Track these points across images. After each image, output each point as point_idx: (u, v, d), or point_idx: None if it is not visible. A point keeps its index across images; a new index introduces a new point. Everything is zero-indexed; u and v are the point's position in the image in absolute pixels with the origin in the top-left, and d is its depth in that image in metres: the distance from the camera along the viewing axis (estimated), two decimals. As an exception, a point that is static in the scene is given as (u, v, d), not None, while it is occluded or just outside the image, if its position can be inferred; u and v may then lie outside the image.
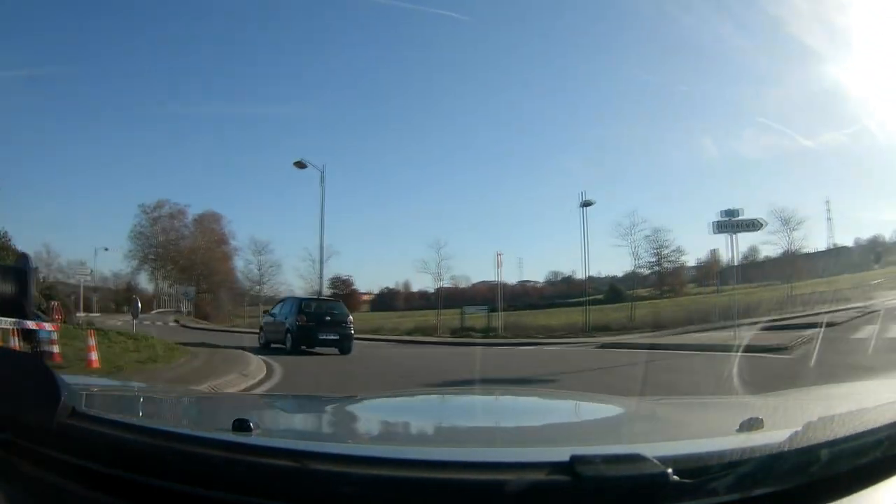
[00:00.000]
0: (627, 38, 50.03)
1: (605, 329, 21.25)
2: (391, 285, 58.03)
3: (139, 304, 16.53)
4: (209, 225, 55.29)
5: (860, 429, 0.73)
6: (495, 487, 0.64)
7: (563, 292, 47.40)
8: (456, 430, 1.36)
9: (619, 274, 41.60)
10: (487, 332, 23.02)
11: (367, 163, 65.33)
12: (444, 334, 23.71)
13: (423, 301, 46.63)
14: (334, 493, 0.66)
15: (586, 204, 24.52)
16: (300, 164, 24.24)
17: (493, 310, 25.40)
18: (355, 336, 14.33)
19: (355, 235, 68.92)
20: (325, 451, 0.75)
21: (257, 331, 15.96)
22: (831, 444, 0.69)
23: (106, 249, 47.28)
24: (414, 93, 59.84)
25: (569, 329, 22.02)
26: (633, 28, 51.28)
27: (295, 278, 48.09)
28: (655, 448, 0.75)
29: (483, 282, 44.21)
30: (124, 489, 0.74)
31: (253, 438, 0.87)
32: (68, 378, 1.07)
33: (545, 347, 15.97)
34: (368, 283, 68.23)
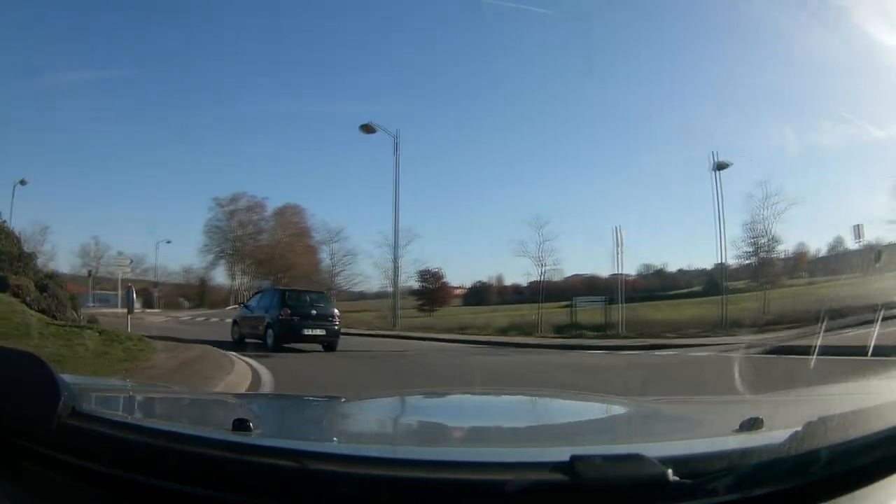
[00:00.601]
0: (703, 29, 47.25)
1: (736, 325, 15.84)
2: (483, 279, 55.26)
3: (134, 296, 15.10)
4: (290, 218, 52.81)
5: (860, 428, 0.73)
6: (495, 487, 0.64)
7: (655, 286, 44.77)
8: (456, 430, 1.36)
9: (708, 266, 36.76)
10: (603, 329, 17.52)
11: (451, 158, 63.14)
12: (547, 333, 18.63)
13: (517, 295, 44.26)
14: (334, 493, 0.66)
15: (720, 167, 18.39)
16: (368, 128, 21.57)
17: (611, 302, 19.37)
18: (438, 339, 13.58)
19: (443, 232, 66.65)
20: (325, 451, 0.75)
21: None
22: (831, 443, 0.69)
23: (168, 242, 46.04)
24: (501, 86, 58.59)
25: (699, 325, 16.83)
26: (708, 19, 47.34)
27: (369, 267, 46.54)
28: (655, 448, 0.75)
29: (576, 275, 41.94)
30: (124, 489, 0.74)
31: (253, 438, 0.87)
32: (68, 378, 1.07)
33: (691, 353, 10.98)
34: (461, 277, 66.25)
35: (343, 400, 1.72)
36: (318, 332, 11.86)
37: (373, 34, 56.95)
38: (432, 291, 46.11)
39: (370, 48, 57.35)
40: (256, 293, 14.64)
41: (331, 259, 40.79)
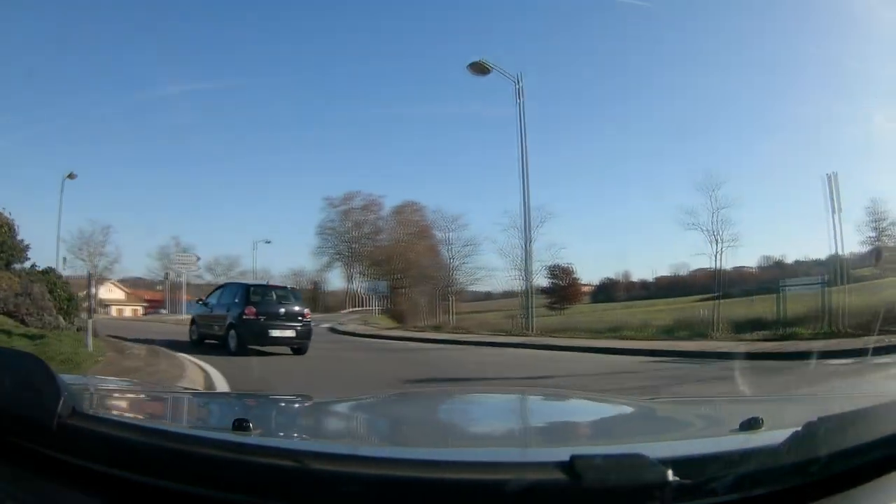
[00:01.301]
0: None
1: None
2: (610, 275, 53.33)
3: (94, 295, 13.20)
4: (408, 216, 49.51)
5: (860, 429, 0.73)
6: (495, 487, 0.64)
7: (777, 277, 41.23)
8: (456, 430, 1.36)
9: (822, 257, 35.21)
10: (821, 324, 11.92)
11: (580, 155, 61.26)
12: (726, 332, 13.20)
13: (643, 290, 43.00)
14: (334, 493, 0.66)
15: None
16: (481, 67, 17.07)
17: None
18: (594, 348, 11.01)
19: (570, 231, 64.81)
20: (325, 451, 0.75)
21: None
22: (831, 443, 0.69)
23: (268, 242, 44.42)
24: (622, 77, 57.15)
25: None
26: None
27: (494, 257, 42.00)
28: (655, 448, 0.75)
29: (701, 269, 37.45)
30: (125, 489, 0.74)
31: (253, 438, 0.87)
32: (68, 378, 1.07)
33: None
34: (588, 274, 63.51)
35: (344, 400, 1.72)
36: (287, 333, 10.48)
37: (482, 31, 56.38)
38: (562, 288, 42.69)
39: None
40: (217, 288, 12.79)
41: (449, 250, 34.49)
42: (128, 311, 46.61)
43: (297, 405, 1.69)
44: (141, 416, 1.30)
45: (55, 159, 64.16)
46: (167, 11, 56.26)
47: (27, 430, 0.81)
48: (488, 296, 40.58)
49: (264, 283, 12.95)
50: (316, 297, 51.46)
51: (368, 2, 57.67)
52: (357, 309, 47.68)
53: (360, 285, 52.00)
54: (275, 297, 11.19)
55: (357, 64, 61.00)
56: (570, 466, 0.63)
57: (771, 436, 0.78)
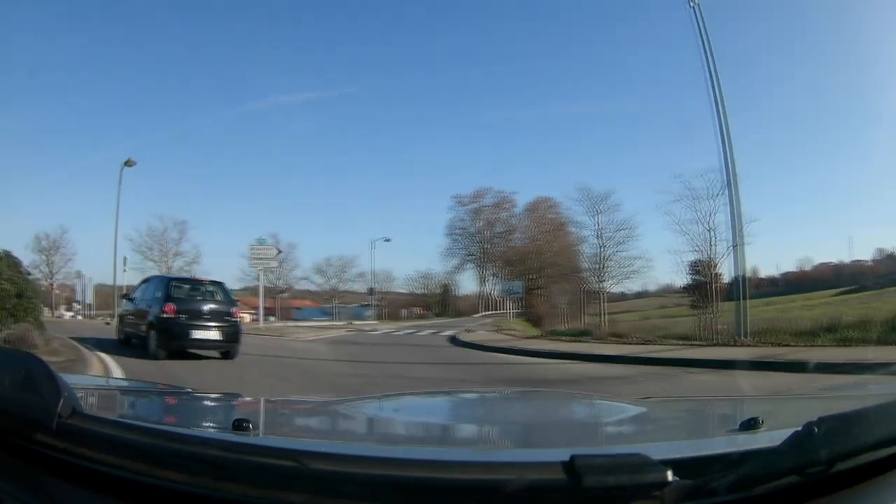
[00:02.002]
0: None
1: None
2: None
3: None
4: (542, 213, 46.18)
5: (860, 429, 0.73)
6: (495, 487, 0.64)
7: (893, 271, 38.24)
8: (456, 430, 1.36)
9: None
10: None
11: None
12: None
13: (773, 287, 40.01)
14: (334, 493, 0.66)
15: None
16: None
17: None
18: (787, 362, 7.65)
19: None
20: (325, 451, 0.76)
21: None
22: (831, 443, 0.69)
23: (387, 240, 41.82)
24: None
25: None
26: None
27: (655, 241, 36.13)
28: (656, 448, 0.75)
29: (823, 263, 37.39)
30: (125, 489, 0.74)
31: (253, 438, 0.87)
32: (68, 378, 1.07)
33: None
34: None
35: (344, 400, 1.72)
36: (211, 335, 9.10)
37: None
38: (705, 285, 38.71)
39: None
40: (143, 281, 11.32)
41: (599, 237, 26.67)
42: None
43: (297, 405, 1.69)
44: (141, 416, 1.30)
45: (181, 168, 69.16)
46: (281, 23, 59.73)
47: (27, 430, 0.81)
48: (622, 296, 36.60)
49: (188, 276, 11.75)
50: (446, 300, 49.78)
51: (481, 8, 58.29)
52: (490, 312, 45.17)
53: (492, 287, 48.94)
54: (200, 292, 9.86)
55: (475, 66, 62.94)
56: (570, 466, 0.63)
57: (771, 436, 0.78)
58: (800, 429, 0.70)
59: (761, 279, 40.46)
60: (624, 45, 59.40)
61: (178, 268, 36.71)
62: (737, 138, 12.63)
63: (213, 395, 1.98)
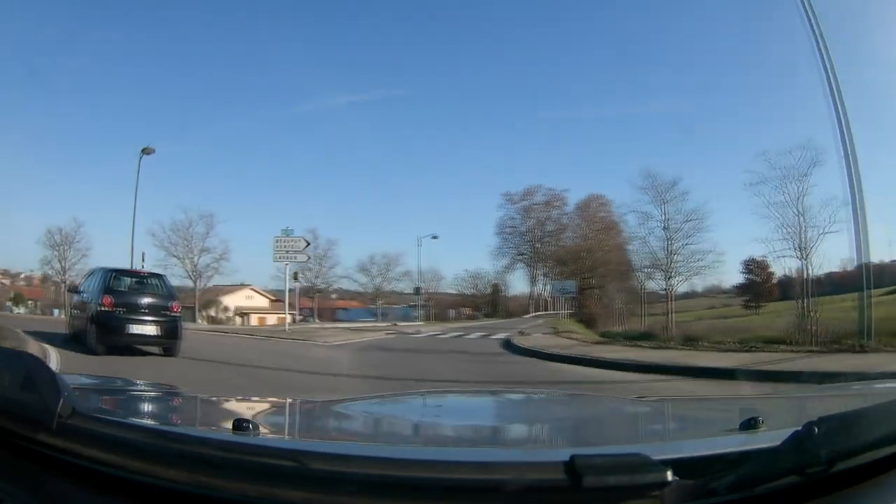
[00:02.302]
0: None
1: None
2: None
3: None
4: (594, 211, 44.73)
5: (860, 429, 0.73)
6: (495, 487, 0.64)
7: None
8: (456, 430, 1.36)
9: None
10: None
11: None
12: None
13: (818, 287, 35.58)
14: (334, 492, 0.66)
15: None
16: None
17: None
18: None
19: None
20: (325, 451, 0.76)
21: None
22: (831, 443, 0.69)
23: (434, 238, 39.91)
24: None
25: None
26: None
27: (730, 230, 34.96)
28: (656, 448, 0.75)
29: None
30: (125, 489, 0.74)
31: (253, 438, 0.87)
32: (68, 378, 1.07)
33: None
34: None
35: (343, 400, 1.72)
36: (149, 330, 8.64)
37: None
38: (758, 284, 36.04)
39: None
40: (90, 273, 10.85)
41: (665, 228, 23.85)
42: (272, 320, 38.27)
43: (297, 405, 1.69)
44: (141, 416, 1.30)
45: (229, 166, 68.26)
46: (329, 25, 60.89)
47: (27, 430, 0.81)
48: (712, 291, 33.28)
49: (127, 268, 11.20)
50: (496, 300, 47.69)
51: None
52: (540, 313, 43.67)
53: (543, 287, 47.38)
54: (139, 283, 9.42)
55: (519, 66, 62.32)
56: (570, 466, 0.63)
57: (771, 436, 0.78)
58: (800, 429, 0.69)
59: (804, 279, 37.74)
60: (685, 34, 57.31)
61: (203, 265, 35.09)
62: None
63: (213, 396, 1.97)
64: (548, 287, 46.84)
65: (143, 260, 27.12)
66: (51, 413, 0.77)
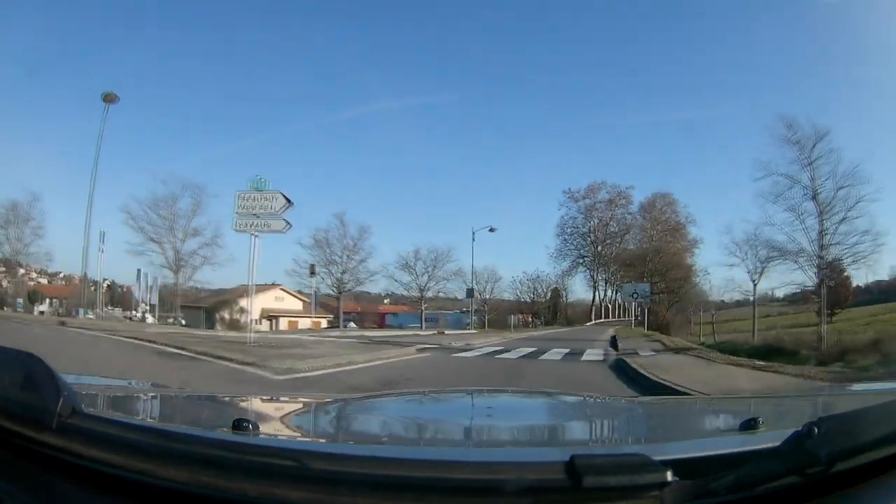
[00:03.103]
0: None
1: None
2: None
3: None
4: (660, 211, 42.29)
5: (859, 429, 0.73)
6: (496, 487, 0.64)
7: None
8: (456, 430, 1.36)
9: None
10: None
11: None
12: None
13: (867, 294, 28.52)
14: (334, 492, 0.66)
15: None
16: None
17: None
18: None
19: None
20: (325, 451, 0.76)
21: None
22: (831, 444, 0.69)
23: (492, 230, 33.29)
24: None
25: None
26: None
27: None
28: (656, 448, 0.75)
29: None
30: (125, 489, 0.74)
31: (253, 438, 0.87)
32: (68, 378, 1.07)
33: None
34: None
35: (343, 400, 1.72)
36: None
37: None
38: (831, 290, 31.23)
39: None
40: None
41: (813, 198, 16.84)
42: (306, 323, 34.39)
43: (297, 405, 1.69)
44: (141, 416, 1.30)
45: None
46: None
47: (27, 430, 0.81)
48: (800, 295, 26.97)
49: None
50: (557, 306, 43.03)
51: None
52: (603, 320, 39.56)
53: (605, 293, 43.12)
54: None
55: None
56: (570, 466, 0.63)
57: (771, 436, 0.78)
58: (800, 429, 0.70)
59: (857, 287, 28.77)
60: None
61: (189, 251, 27.27)
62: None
63: (214, 395, 1.97)
64: (612, 292, 42.90)
65: (102, 242, 23.07)
66: (51, 413, 0.77)
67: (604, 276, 44.95)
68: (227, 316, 31.41)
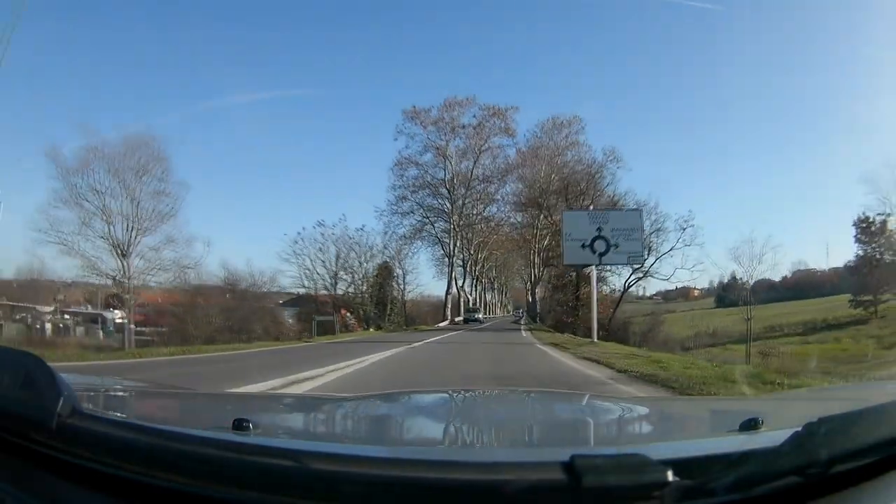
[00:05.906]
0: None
1: None
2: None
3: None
4: (565, 140, 30.26)
5: (860, 429, 0.73)
6: (496, 487, 0.64)
7: None
8: (456, 430, 1.36)
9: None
10: None
11: None
12: None
13: (772, 292, 31.03)
14: (334, 493, 0.66)
15: None
16: None
17: None
18: None
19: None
20: (325, 450, 0.76)
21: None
22: (831, 444, 0.69)
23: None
24: None
25: None
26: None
27: None
28: (656, 448, 0.75)
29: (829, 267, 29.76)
30: (125, 489, 0.74)
31: (252, 438, 0.87)
32: (68, 377, 1.07)
33: None
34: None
35: (343, 400, 1.72)
36: None
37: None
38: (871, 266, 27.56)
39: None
40: None
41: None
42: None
43: (297, 404, 1.69)
44: (141, 416, 1.30)
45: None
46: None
47: (27, 430, 0.81)
48: (638, 297, 23.56)
49: None
50: (384, 297, 27.48)
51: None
52: (459, 321, 28.60)
53: (464, 281, 29.25)
54: None
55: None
56: (570, 466, 0.63)
57: (771, 436, 0.78)
58: (800, 429, 0.70)
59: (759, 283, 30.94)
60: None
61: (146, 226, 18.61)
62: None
63: (213, 395, 1.97)
64: (474, 280, 26.49)
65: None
66: (51, 413, 0.77)
67: (468, 251, 29.24)
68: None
